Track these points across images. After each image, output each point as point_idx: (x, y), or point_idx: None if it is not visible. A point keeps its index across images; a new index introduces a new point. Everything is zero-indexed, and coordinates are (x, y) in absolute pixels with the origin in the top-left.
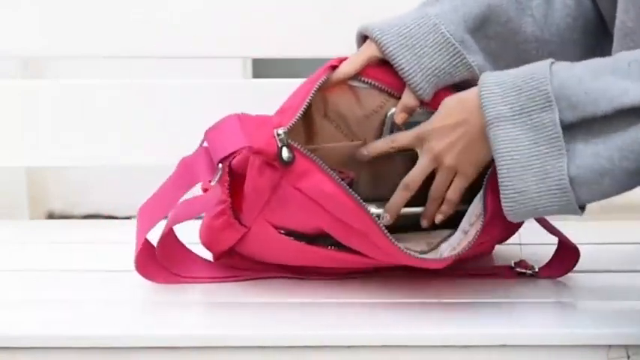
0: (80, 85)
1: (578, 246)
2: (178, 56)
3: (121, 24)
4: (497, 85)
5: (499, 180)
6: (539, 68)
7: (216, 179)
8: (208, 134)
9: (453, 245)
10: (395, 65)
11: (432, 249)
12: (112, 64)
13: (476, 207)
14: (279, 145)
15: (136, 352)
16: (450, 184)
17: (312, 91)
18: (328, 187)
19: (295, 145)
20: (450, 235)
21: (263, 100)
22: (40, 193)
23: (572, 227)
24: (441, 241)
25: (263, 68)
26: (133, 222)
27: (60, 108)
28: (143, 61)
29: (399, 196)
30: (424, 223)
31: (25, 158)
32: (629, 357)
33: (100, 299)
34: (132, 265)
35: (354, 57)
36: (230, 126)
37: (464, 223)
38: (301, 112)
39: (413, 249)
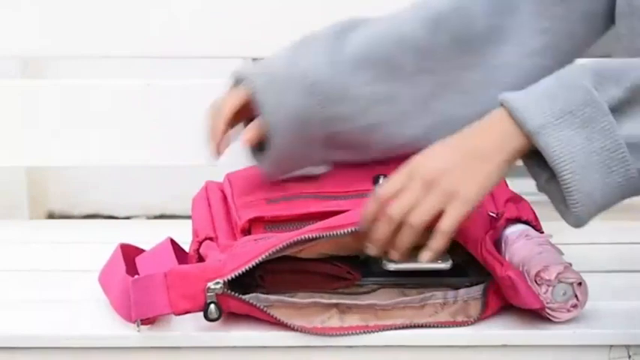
0: (80, 85)
1: (578, 246)
2: (178, 56)
3: (121, 24)
4: (526, 97)
5: (563, 187)
6: (564, 70)
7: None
8: (133, 285)
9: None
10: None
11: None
12: (112, 64)
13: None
14: (207, 302)
15: (136, 352)
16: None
17: (270, 252)
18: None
19: (233, 295)
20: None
21: None
22: (40, 193)
23: (572, 227)
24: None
25: None
26: (133, 222)
27: (60, 108)
28: (143, 61)
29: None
30: (372, 249)
31: (25, 158)
32: (630, 357)
33: (100, 299)
34: None
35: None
36: (155, 285)
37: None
38: (247, 268)
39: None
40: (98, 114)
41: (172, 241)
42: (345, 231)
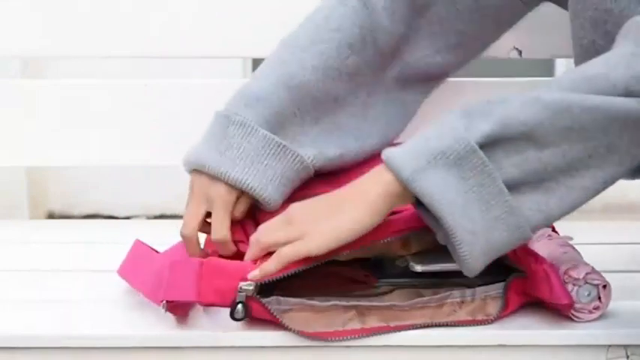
0: (80, 85)
1: (579, 246)
2: (178, 56)
3: (121, 24)
4: (402, 148)
5: (446, 229)
6: (440, 118)
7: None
8: (170, 267)
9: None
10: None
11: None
12: (112, 64)
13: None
14: (237, 301)
15: (136, 352)
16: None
17: (308, 265)
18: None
19: (259, 300)
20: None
21: None
22: (40, 193)
23: (572, 227)
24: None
25: None
26: (133, 222)
27: (60, 108)
28: (143, 61)
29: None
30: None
31: (25, 158)
32: (628, 357)
33: (100, 299)
34: None
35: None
36: (189, 271)
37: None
38: (283, 276)
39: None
40: (98, 114)
41: None
42: (384, 240)
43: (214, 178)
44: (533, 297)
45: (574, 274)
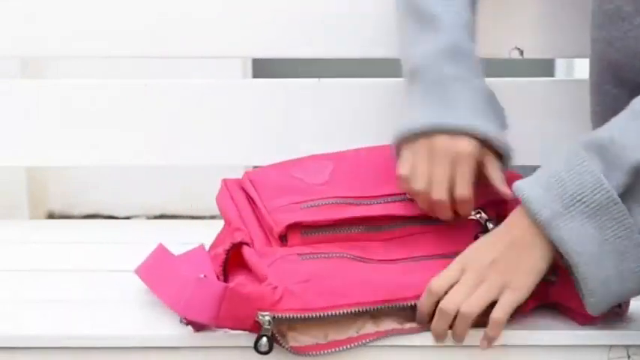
0: (80, 85)
1: None
2: (178, 56)
3: (121, 24)
4: (534, 187)
5: (579, 278)
6: (568, 151)
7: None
8: (196, 283)
9: None
10: None
11: None
12: (112, 64)
13: None
14: (260, 334)
15: (136, 352)
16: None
17: (328, 313)
18: None
19: (281, 342)
20: None
21: (263, 100)
22: (40, 193)
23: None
24: None
25: (263, 68)
26: (133, 222)
27: (60, 108)
28: (143, 61)
29: (427, 304)
30: (457, 340)
31: (25, 158)
32: (629, 357)
33: (100, 299)
34: (131, 265)
35: None
36: (213, 293)
37: None
38: (301, 316)
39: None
40: (98, 114)
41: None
42: (408, 304)
43: (456, 133)
44: (551, 301)
45: None
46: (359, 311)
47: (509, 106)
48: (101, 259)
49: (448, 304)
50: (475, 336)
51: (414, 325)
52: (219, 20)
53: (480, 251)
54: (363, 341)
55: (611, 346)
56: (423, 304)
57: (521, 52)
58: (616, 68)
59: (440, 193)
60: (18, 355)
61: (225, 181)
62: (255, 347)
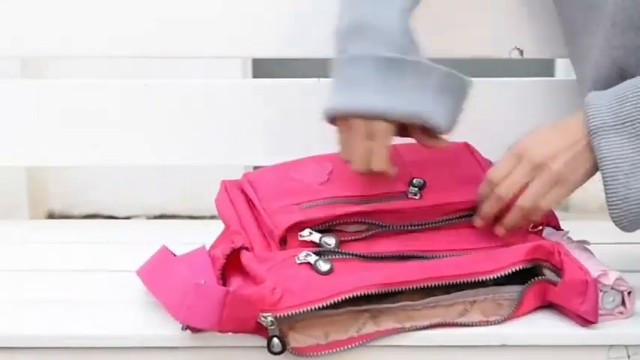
0: (80, 85)
1: None
2: (178, 56)
3: (121, 24)
4: (601, 97)
5: (604, 188)
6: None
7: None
8: (195, 290)
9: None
10: None
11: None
12: (112, 64)
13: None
14: (270, 335)
15: (136, 352)
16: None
17: (326, 302)
18: None
19: (287, 341)
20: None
21: (263, 100)
22: (40, 193)
23: (572, 227)
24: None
25: (263, 68)
26: (133, 222)
27: (60, 108)
28: (143, 61)
29: (491, 206)
30: (479, 222)
31: (25, 158)
32: (629, 357)
33: (100, 299)
34: (131, 265)
35: None
36: (213, 298)
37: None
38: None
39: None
40: (98, 114)
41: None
42: (405, 288)
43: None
44: (551, 302)
45: (604, 280)
46: (358, 296)
47: (509, 106)
48: (101, 259)
49: (505, 190)
50: (475, 336)
51: (414, 323)
52: (219, 20)
53: (538, 144)
54: (364, 341)
55: (611, 346)
56: (482, 192)
57: (521, 52)
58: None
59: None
60: (18, 355)
61: (224, 183)
62: (269, 349)
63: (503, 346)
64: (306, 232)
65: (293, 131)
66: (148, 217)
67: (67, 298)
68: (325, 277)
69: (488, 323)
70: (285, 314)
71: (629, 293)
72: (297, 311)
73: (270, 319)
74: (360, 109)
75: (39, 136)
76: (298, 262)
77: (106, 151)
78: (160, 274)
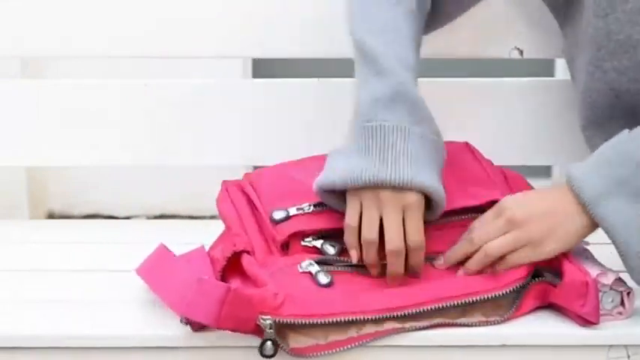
0: (80, 85)
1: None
2: (178, 56)
3: (121, 24)
4: (586, 166)
5: (619, 254)
6: (620, 136)
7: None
8: (197, 285)
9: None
10: None
11: None
12: (112, 64)
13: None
14: (264, 338)
15: (136, 352)
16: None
17: (330, 320)
18: None
19: (282, 345)
20: None
21: (263, 100)
22: (40, 193)
23: None
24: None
25: (263, 68)
26: (133, 222)
27: (60, 108)
28: (143, 61)
29: (461, 249)
30: (441, 264)
31: (25, 158)
32: (629, 357)
33: (100, 299)
34: (131, 265)
35: None
36: (214, 295)
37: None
38: (303, 322)
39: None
40: (98, 114)
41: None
42: (409, 312)
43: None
44: (552, 303)
45: (604, 280)
46: (363, 319)
47: (509, 106)
48: (101, 259)
49: (476, 235)
50: (475, 336)
51: (415, 323)
52: (219, 20)
53: (520, 206)
54: (364, 341)
55: (610, 346)
56: (458, 246)
57: (521, 52)
58: (627, 97)
59: (395, 243)
60: (18, 355)
61: (225, 184)
62: (261, 351)
63: (503, 346)
64: (309, 237)
65: (293, 131)
66: (148, 217)
67: (67, 298)
68: (325, 291)
69: (488, 323)
70: (285, 321)
71: (628, 294)
72: (297, 321)
73: (269, 322)
74: (400, 180)
75: (39, 136)
76: (300, 270)
77: (106, 151)
78: (159, 271)
